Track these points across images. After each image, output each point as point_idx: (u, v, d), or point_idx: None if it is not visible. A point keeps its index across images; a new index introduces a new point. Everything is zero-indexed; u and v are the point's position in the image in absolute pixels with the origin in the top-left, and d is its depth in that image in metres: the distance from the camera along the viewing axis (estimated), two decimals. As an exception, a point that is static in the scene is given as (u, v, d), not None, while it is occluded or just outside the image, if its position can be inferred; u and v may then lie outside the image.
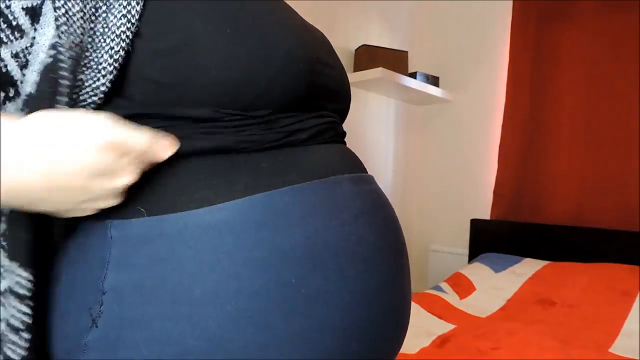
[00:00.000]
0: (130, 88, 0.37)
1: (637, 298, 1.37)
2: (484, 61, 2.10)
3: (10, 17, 0.33)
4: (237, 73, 0.37)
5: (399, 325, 0.45)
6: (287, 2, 0.49)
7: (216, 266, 0.34)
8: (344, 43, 1.85)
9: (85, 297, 0.36)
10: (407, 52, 1.91)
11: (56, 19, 0.33)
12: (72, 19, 0.34)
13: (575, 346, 1.15)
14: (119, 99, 0.37)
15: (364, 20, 1.94)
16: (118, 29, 0.35)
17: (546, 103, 1.88)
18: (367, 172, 0.50)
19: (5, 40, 0.33)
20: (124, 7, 0.35)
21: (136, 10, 0.36)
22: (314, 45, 0.45)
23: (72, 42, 0.34)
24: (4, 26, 0.33)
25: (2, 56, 0.33)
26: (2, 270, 0.35)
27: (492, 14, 2.07)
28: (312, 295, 0.36)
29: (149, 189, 0.37)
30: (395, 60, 1.85)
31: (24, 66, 0.34)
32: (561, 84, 1.84)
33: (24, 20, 0.33)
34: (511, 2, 1.98)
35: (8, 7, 0.33)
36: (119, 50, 0.35)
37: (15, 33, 0.33)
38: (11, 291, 0.34)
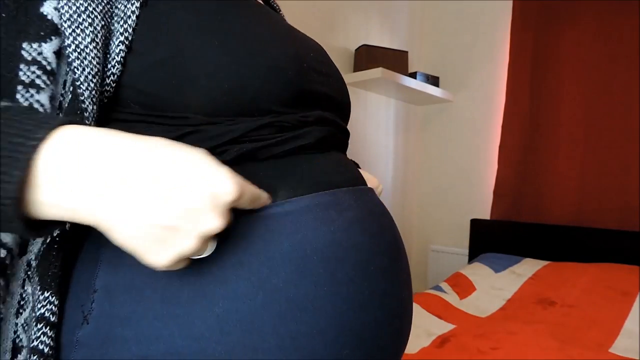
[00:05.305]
0: (126, 100, 0.39)
1: (637, 298, 1.37)
2: (484, 61, 2.10)
3: (45, 63, 0.34)
4: (225, 82, 0.38)
5: (397, 334, 0.43)
6: (289, 1, 0.49)
7: (204, 269, 0.35)
8: (344, 43, 1.85)
9: (78, 295, 0.37)
10: (407, 52, 1.91)
11: (67, 56, 0.35)
12: (84, 52, 0.35)
13: (575, 346, 1.15)
14: (118, 108, 0.39)
15: (364, 20, 1.94)
16: (117, 55, 0.37)
17: (546, 103, 1.88)
18: (365, 184, 0.48)
19: (43, 86, 0.34)
20: (122, 34, 0.37)
21: (129, 33, 0.37)
22: (305, 54, 0.45)
23: (89, 73, 0.35)
24: (39, 72, 0.34)
25: (43, 102, 0.34)
26: (31, 299, 0.35)
27: (492, 14, 2.07)
28: (302, 300, 0.36)
29: None
30: (395, 60, 1.85)
31: (59, 107, 0.36)
32: (561, 84, 1.84)
33: (55, 65, 0.35)
34: (511, 2, 1.98)
35: (40, 53, 0.34)
36: (116, 73, 0.37)
37: (50, 77, 0.35)
38: (42, 318, 0.35)
